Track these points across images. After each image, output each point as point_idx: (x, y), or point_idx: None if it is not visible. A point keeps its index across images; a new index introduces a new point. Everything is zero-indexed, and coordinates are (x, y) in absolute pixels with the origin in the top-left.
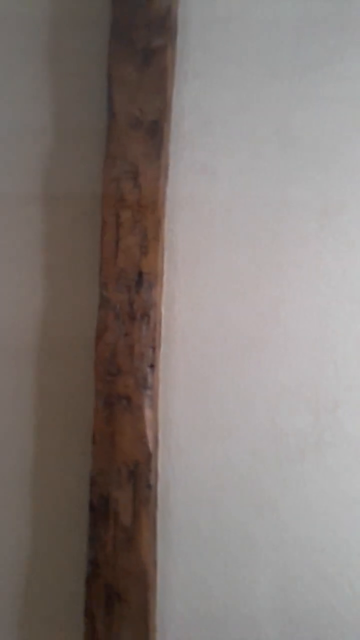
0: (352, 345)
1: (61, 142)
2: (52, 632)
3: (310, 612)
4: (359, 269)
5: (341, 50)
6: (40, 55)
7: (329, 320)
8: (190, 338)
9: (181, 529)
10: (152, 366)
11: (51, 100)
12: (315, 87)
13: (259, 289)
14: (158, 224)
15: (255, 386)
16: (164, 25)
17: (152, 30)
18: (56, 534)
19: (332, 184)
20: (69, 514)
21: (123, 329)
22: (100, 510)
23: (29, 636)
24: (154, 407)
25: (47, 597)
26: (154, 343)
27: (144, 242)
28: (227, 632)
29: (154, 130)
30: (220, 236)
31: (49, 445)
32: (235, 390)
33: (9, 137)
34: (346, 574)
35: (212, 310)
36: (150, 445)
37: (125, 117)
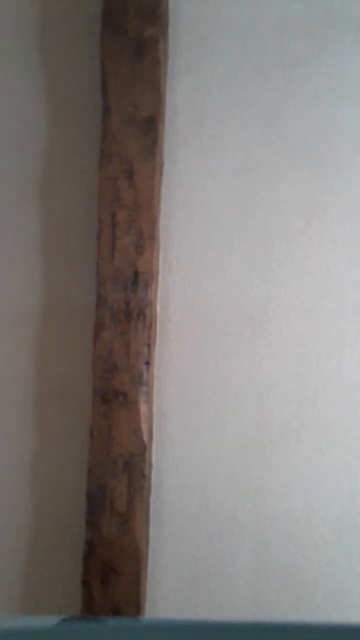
0: (333, 339)
1: (56, 139)
2: (52, 600)
3: (281, 571)
4: (341, 267)
5: (326, 46)
6: (31, 50)
7: (313, 317)
8: (184, 336)
9: (172, 512)
10: (148, 363)
11: (45, 96)
12: (301, 84)
13: (249, 287)
14: (153, 223)
15: (244, 381)
16: (155, 13)
17: (144, 19)
18: (55, 519)
19: (318, 183)
20: (68, 502)
21: (120, 328)
22: (97, 498)
23: (31, 605)
24: (149, 402)
25: (47, 573)
26: (149, 341)
27: (139, 242)
28: (209, 595)
29: (149, 127)
30: (214, 235)
31: (48, 438)
32: (226, 385)
33: (1, 135)
34: (312, 537)
35: (205, 309)
36: (145, 438)
37: (119, 113)
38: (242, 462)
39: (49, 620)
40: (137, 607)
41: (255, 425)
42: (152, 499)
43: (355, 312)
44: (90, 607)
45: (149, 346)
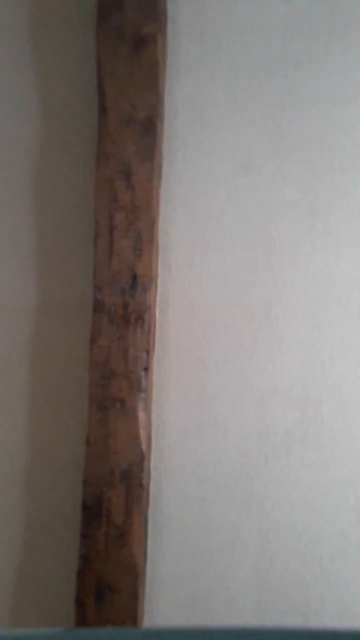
0: (338, 344)
1: (51, 140)
2: (44, 619)
3: (285, 588)
4: (345, 270)
5: (331, 45)
6: (26, 48)
7: (317, 321)
8: (184, 341)
9: (171, 524)
10: (147, 369)
11: (39, 95)
12: (303, 84)
13: (251, 291)
14: (152, 225)
15: (246, 387)
16: (154, 9)
17: (142, 15)
18: (49, 532)
19: (321, 184)
20: (63, 513)
21: (117, 333)
22: (93, 510)
23: (21, 625)
24: (148, 410)
25: (39, 590)
26: (148, 346)
27: (138, 245)
28: (209, 613)
29: (148, 128)
30: (214, 238)
31: (43, 447)
32: (227, 391)
33: None
34: (318, 552)
35: (205, 313)
36: (144, 447)
37: (117, 113)
38: (244, 472)
39: (50, 631)
40: (134, 627)
41: (257, 433)
42: (150, 511)
43: None
44: (85, 627)
45: (148, 352)
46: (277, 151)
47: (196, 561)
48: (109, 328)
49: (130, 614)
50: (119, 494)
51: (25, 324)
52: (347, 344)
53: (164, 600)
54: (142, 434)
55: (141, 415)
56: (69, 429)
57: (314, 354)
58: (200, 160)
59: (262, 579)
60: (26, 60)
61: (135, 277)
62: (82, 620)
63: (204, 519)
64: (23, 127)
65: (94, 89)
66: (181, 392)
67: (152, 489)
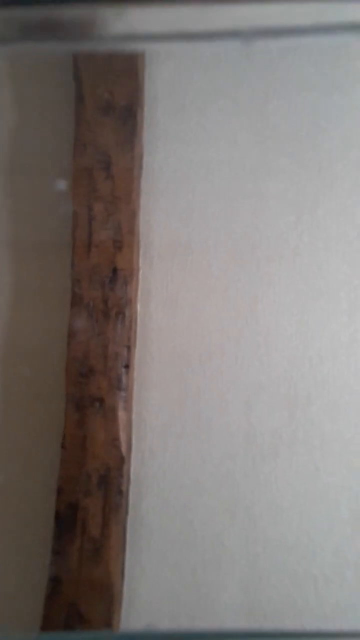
0: (327, 340)
1: (26, 128)
2: None
3: (275, 613)
4: (334, 264)
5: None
6: None
7: (305, 317)
8: (166, 336)
9: (151, 536)
10: (127, 366)
11: (11, 80)
12: (291, 71)
13: (236, 285)
14: (133, 217)
15: (231, 385)
16: None
17: None
18: (17, 547)
19: (308, 176)
20: (33, 525)
21: (96, 328)
22: (66, 520)
23: None
24: (128, 409)
25: (1, 616)
26: (128, 342)
27: (118, 236)
28: None
29: (127, 116)
30: (197, 230)
31: (14, 450)
32: (211, 390)
33: None
34: (311, 572)
35: (188, 307)
36: (123, 448)
37: (94, 101)
38: (229, 476)
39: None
40: None
41: (244, 434)
42: (129, 521)
43: (350, 313)
44: None
45: (129, 348)
46: (262, 141)
47: (178, 579)
48: (88, 323)
49: None
50: (96, 501)
51: None
52: (335, 340)
53: (142, 626)
54: (122, 435)
55: (121, 414)
56: (43, 430)
57: (302, 350)
58: (182, 149)
59: (250, 600)
60: None
61: (115, 270)
62: None
63: (187, 528)
64: None
65: (69, 75)
66: (163, 391)
67: (131, 496)
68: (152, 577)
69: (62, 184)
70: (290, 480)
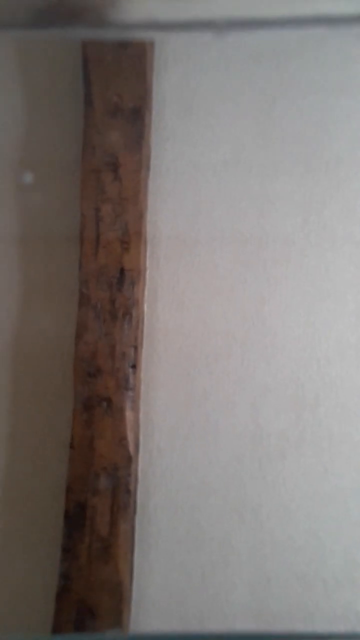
0: (334, 342)
1: (36, 130)
2: None
3: (285, 615)
4: (341, 265)
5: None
6: (9, 39)
7: (311, 318)
8: (173, 337)
9: (159, 535)
10: (134, 366)
11: (22, 83)
12: (297, 73)
13: (243, 285)
14: (140, 218)
15: (238, 386)
16: None
17: None
18: (27, 545)
19: (315, 177)
20: (42, 524)
21: (104, 328)
22: (75, 519)
23: None
24: (135, 409)
25: (14, 614)
26: (135, 342)
27: (125, 237)
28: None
29: (135, 118)
30: (204, 231)
31: (23, 450)
32: (218, 390)
33: None
34: (321, 574)
35: (195, 308)
36: (131, 448)
37: (103, 103)
38: (237, 476)
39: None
40: None
41: (250, 435)
42: (137, 520)
43: (358, 314)
44: None
45: (136, 348)
46: (268, 142)
47: (186, 579)
48: (95, 323)
49: None
50: (104, 500)
51: (7, 319)
52: (343, 341)
53: (151, 626)
54: (129, 435)
55: (128, 414)
56: (51, 430)
57: (309, 351)
58: (189, 151)
59: (258, 602)
60: (9, 50)
61: (122, 271)
62: None
63: (195, 529)
64: (6, 117)
65: (79, 78)
66: (170, 391)
67: (139, 495)
68: (160, 576)
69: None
70: (298, 482)
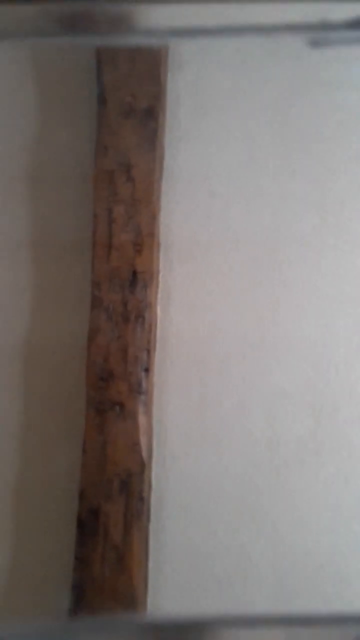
0: (354, 347)
1: (49, 130)
2: None
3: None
4: (359, 267)
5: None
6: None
7: (329, 322)
8: (187, 340)
9: (174, 545)
10: (147, 370)
11: (35, 83)
12: (315, 69)
13: (257, 288)
14: (153, 219)
15: (253, 391)
16: None
17: None
18: (39, 551)
19: (332, 177)
20: (55, 532)
21: (116, 331)
22: (88, 526)
23: None
24: (148, 414)
25: (27, 623)
26: (148, 346)
27: (138, 239)
28: None
29: (148, 119)
30: (218, 233)
31: (34, 455)
32: (233, 395)
33: None
34: (345, 594)
35: (208, 311)
36: (144, 453)
37: (116, 103)
38: (252, 485)
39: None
40: None
41: (266, 442)
42: (151, 528)
43: None
44: None
45: (149, 351)
46: (284, 142)
47: (202, 593)
48: (107, 326)
49: None
50: (118, 507)
51: (18, 321)
52: None
53: None
54: (143, 440)
55: (141, 419)
56: (63, 435)
57: (327, 356)
58: (203, 151)
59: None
60: (22, 48)
61: (134, 273)
62: None
63: (210, 539)
64: (19, 117)
65: (92, 78)
66: (183, 395)
67: (152, 502)
68: (175, 587)
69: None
70: (317, 491)
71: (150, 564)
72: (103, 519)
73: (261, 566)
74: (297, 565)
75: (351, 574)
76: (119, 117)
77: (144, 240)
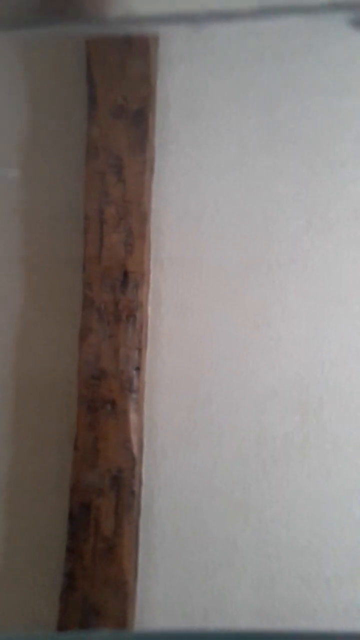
0: (339, 345)
1: (40, 131)
2: None
3: (288, 613)
4: (346, 267)
5: (329, 34)
6: (13, 39)
7: (316, 320)
8: (177, 339)
9: (164, 536)
10: (138, 369)
11: (25, 84)
12: (301, 74)
13: (247, 288)
14: (144, 220)
15: (242, 389)
16: None
17: None
18: (32, 544)
19: (319, 179)
20: (47, 525)
21: (108, 331)
22: (80, 520)
23: None
24: (139, 411)
25: (19, 613)
26: (139, 345)
27: (129, 240)
28: None
29: (139, 120)
30: (208, 233)
31: (27, 451)
32: (222, 392)
33: None
34: (324, 574)
35: (199, 311)
36: (135, 450)
37: (107, 104)
38: (241, 479)
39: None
40: None
41: (255, 438)
42: (141, 521)
43: None
44: None
45: (140, 350)
46: (272, 144)
47: (190, 579)
48: (99, 325)
49: None
50: (108, 501)
51: (10, 321)
52: (348, 344)
53: (156, 624)
54: (133, 437)
55: (132, 416)
56: (55, 432)
57: (314, 354)
58: (193, 153)
59: (262, 601)
60: (12, 48)
61: (126, 273)
62: None
63: (199, 529)
64: (10, 118)
65: (83, 79)
66: (174, 393)
67: (143, 497)
68: (165, 576)
69: (74, 188)
70: (302, 485)
71: (141, 555)
72: (94, 512)
73: (246, 554)
74: (280, 552)
75: (331, 558)
76: (109, 118)
77: (135, 241)
